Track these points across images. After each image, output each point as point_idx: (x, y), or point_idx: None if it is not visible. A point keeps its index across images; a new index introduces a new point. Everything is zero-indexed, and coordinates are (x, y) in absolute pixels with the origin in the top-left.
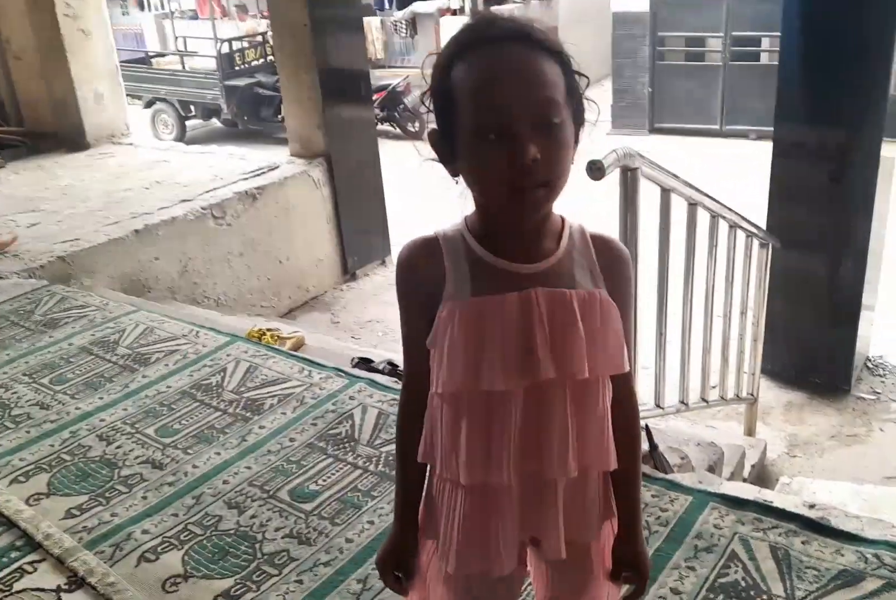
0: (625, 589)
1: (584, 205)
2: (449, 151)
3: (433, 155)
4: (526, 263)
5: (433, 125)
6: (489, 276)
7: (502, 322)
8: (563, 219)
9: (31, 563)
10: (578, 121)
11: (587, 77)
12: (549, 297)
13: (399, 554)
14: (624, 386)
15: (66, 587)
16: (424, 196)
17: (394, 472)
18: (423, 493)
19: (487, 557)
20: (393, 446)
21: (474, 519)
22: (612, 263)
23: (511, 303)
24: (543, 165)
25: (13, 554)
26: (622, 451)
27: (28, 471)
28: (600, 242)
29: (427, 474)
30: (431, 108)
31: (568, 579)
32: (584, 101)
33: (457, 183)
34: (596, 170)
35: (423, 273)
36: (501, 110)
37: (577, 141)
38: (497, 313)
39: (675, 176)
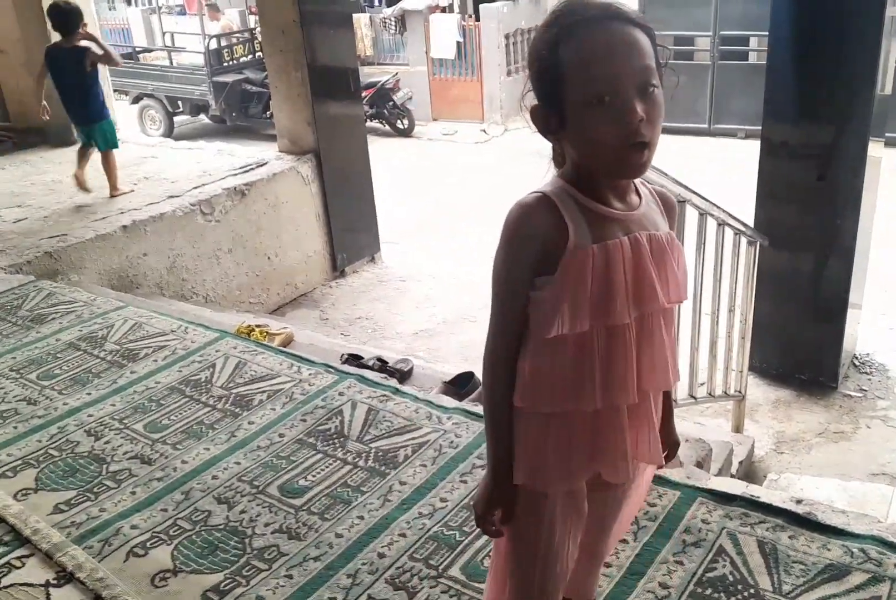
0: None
1: None
2: (556, 123)
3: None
4: (626, 211)
5: (533, 102)
6: (602, 224)
7: (622, 262)
8: None
9: (19, 558)
10: (662, 81)
11: (668, 48)
12: (650, 239)
13: (500, 497)
14: (674, 311)
15: (55, 582)
16: (414, 192)
17: (383, 468)
18: (519, 438)
19: (605, 464)
20: (382, 442)
21: (585, 438)
22: (670, 210)
23: (626, 245)
24: (647, 124)
25: (1, 550)
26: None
27: (16, 467)
28: (660, 193)
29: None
30: (531, 86)
31: (606, 512)
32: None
33: (559, 150)
34: None
35: (543, 226)
36: (611, 78)
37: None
38: (618, 255)
39: (664, 173)
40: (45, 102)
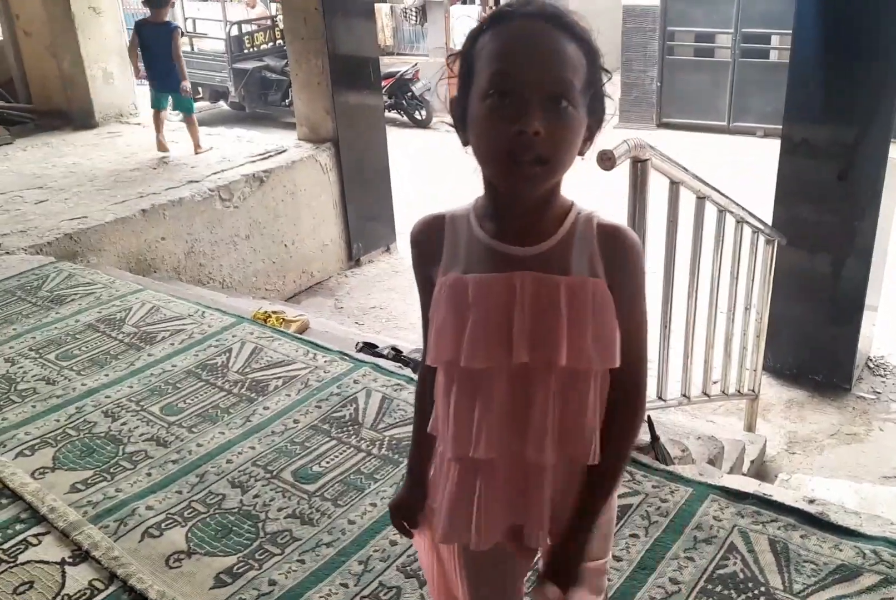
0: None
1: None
2: (463, 118)
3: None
4: (521, 246)
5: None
6: (483, 257)
7: (486, 302)
8: (572, 205)
9: (35, 536)
10: (595, 115)
11: (610, 73)
12: (537, 282)
13: (406, 507)
14: (627, 381)
15: (71, 560)
16: (431, 183)
17: (397, 456)
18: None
19: (469, 530)
20: (396, 430)
21: (462, 492)
22: (615, 253)
23: (496, 284)
24: (545, 142)
25: (18, 527)
26: (608, 447)
27: (34, 445)
28: (607, 231)
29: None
30: (454, 73)
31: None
32: (605, 99)
33: (466, 152)
34: (606, 159)
35: (426, 248)
36: (516, 77)
37: (591, 136)
38: (482, 292)
39: (685, 169)
40: (139, 66)
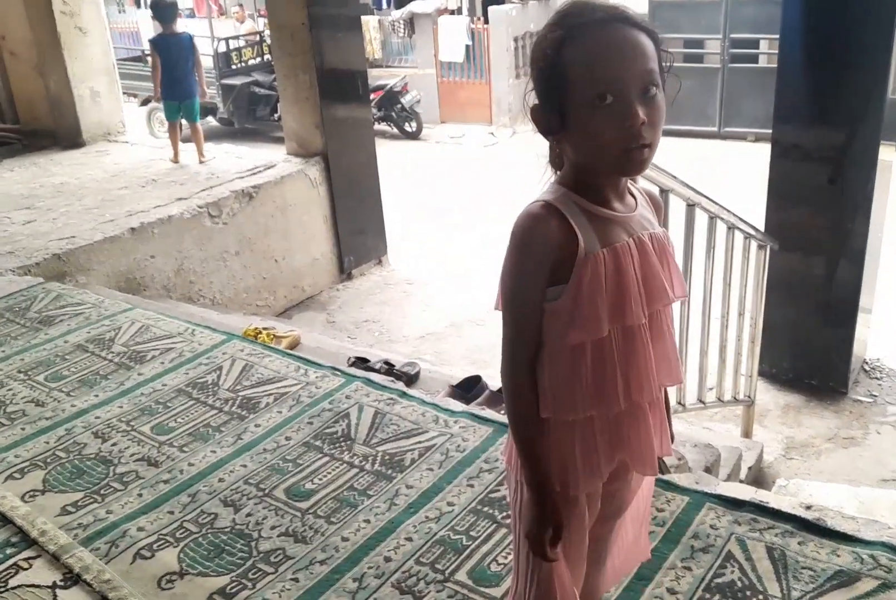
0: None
1: None
2: (556, 123)
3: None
4: (627, 213)
5: (534, 101)
6: (607, 227)
7: (632, 264)
8: None
9: (26, 560)
10: (665, 90)
11: (672, 54)
12: (652, 239)
13: (552, 513)
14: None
15: (62, 583)
16: (422, 195)
17: (390, 471)
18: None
19: (631, 453)
20: (389, 445)
21: (610, 437)
22: (658, 209)
23: (633, 246)
24: (648, 127)
25: (8, 551)
26: None
27: (23, 468)
28: (649, 193)
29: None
30: (533, 86)
31: (617, 500)
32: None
33: (557, 151)
34: None
35: (552, 235)
36: (614, 79)
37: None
38: (627, 257)
39: (674, 177)
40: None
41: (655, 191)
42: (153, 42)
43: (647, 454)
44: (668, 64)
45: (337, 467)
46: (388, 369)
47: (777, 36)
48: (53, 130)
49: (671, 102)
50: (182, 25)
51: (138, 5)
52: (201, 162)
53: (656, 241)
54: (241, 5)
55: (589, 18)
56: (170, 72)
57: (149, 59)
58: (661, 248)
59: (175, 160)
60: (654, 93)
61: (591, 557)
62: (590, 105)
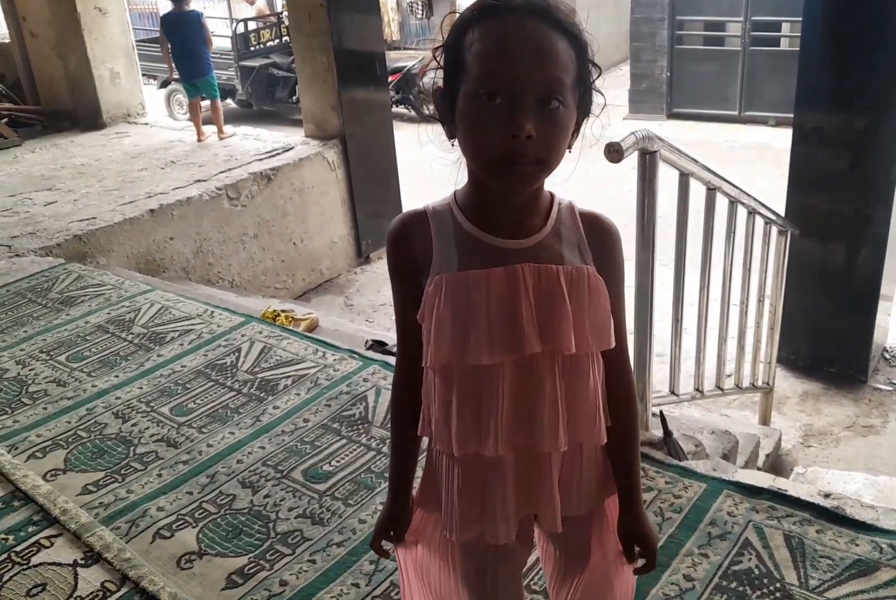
0: (639, 562)
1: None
2: (450, 111)
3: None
4: (513, 239)
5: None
6: (476, 251)
7: (488, 296)
8: (552, 196)
9: (48, 538)
10: (584, 110)
11: (600, 68)
12: (537, 272)
13: (390, 522)
14: (616, 359)
15: (83, 562)
16: (439, 179)
17: None
18: (425, 465)
19: (485, 524)
20: None
21: (471, 488)
22: (600, 240)
23: (497, 277)
24: (537, 144)
25: (30, 529)
26: (618, 425)
27: (45, 447)
28: (589, 219)
29: (427, 446)
30: (441, 64)
31: (572, 557)
32: (594, 93)
33: (452, 145)
34: (614, 152)
35: (411, 247)
36: (507, 78)
37: (577, 129)
38: (483, 287)
39: (694, 160)
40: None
41: (606, 221)
42: (163, 20)
43: (499, 517)
44: (590, 78)
45: (354, 449)
46: None
47: (799, 18)
48: (73, 111)
49: (570, 145)
50: (200, 7)
51: None
52: (221, 138)
53: (545, 278)
54: None
55: (506, 4)
56: (179, 49)
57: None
58: (551, 287)
59: (200, 139)
60: (554, 106)
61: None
62: (476, 97)
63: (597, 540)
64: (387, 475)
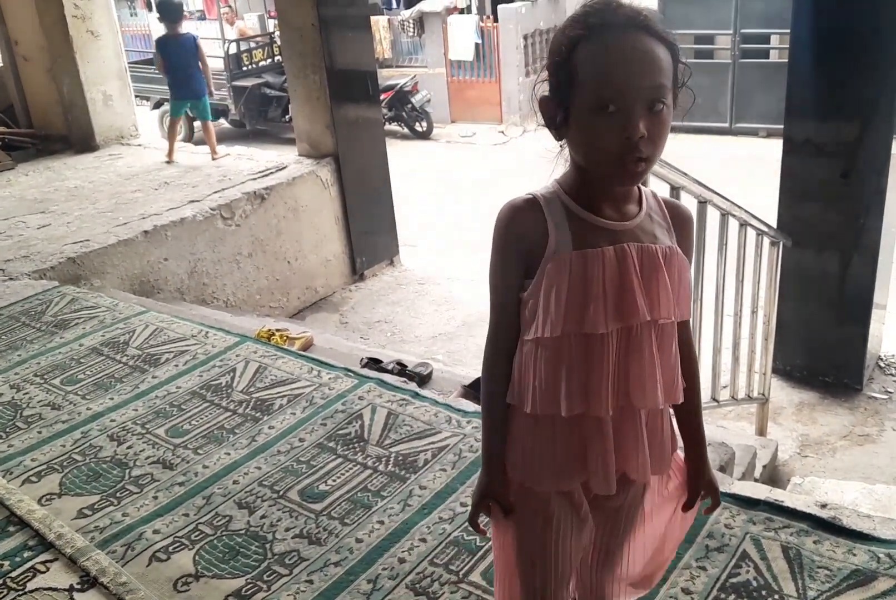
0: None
1: None
2: (560, 119)
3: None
4: (618, 221)
5: (544, 93)
6: (587, 232)
7: (603, 271)
8: (638, 186)
9: (43, 563)
10: (677, 102)
11: (690, 68)
12: (640, 250)
13: (489, 495)
14: (685, 330)
15: (79, 586)
16: (432, 195)
17: (403, 472)
18: (510, 436)
19: (587, 475)
20: (402, 446)
21: (572, 445)
22: (681, 223)
23: (609, 255)
24: (647, 142)
25: (26, 554)
26: (687, 387)
27: (40, 471)
28: (671, 205)
29: (510, 415)
30: (546, 78)
31: (617, 522)
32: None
33: (561, 147)
34: None
35: (527, 228)
36: (621, 91)
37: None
38: (599, 263)
39: (685, 174)
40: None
41: (685, 207)
42: (157, 43)
43: (599, 470)
44: (683, 78)
45: (350, 468)
46: (401, 370)
47: (788, 31)
48: (67, 134)
49: (683, 115)
50: (192, 27)
51: (150, 8)
52: (214, 159)
53: (646, 255)
54: (230, 7)
55: (609, 21)
56: (175, 72)
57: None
58: (652, 264)
59: (169, 159)
60: (660, 108)
61: (602, 566)
62: (593, 110)
63: (648, 502)
64: (383, 494)
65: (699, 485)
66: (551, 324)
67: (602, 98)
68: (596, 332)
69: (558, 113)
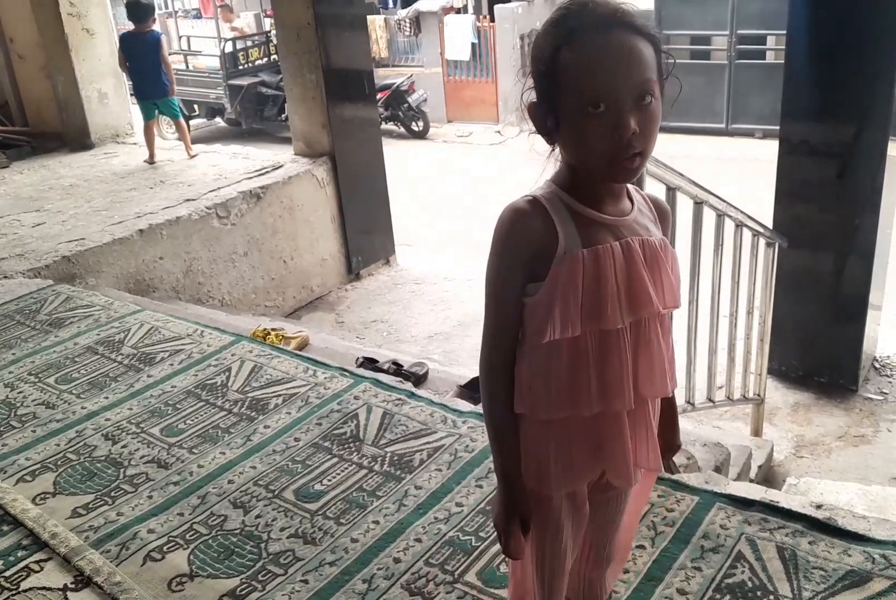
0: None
1: None
2: (550, 123)
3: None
4: (617, 216)
5: (532, 99)
6: (592, 229)
7: (614, 267)
8: None
9: (37, 562)
10: (663, 92)
11: (674, 58)
12: (643, 244)
13: (520, 504)
14: (669, 315)
15: (73, 586)
16: (428, 195)
17: (398, 472)
18: (522, 444)
19: (608, 468)
20: (398, 446)
21: (589, 444)
22: (664, 216)
23: (617, 250)
24: (639, 137)
25: (20, 553)
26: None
27: (34, 471)
28: (653, 199)
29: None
30: (531, 84)
31: (608, 513)
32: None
33: (553, 150)
34: None
35: (533, 232)
36: (608, 90)
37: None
38: (609, 259)
39: (681, 174)
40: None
41: (664, 202)
42: (121, 39)
43: (621, 464)
44: (668, 68)
45: (346, 468)
46: (397, 369)
47: (784, 31)
48: (62, 132)
49: (672, 104)
50: (189, 26)
51: None
52: (190, 157)
53: (648, 248)
54: (226, 4)
55: (588, 21)
56: (136, 70)
57: None
58: (654, 256)
59: (150, 161)
60: (648, 101)
61: (594, 560)
62: (583, 112)
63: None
64: (378, 494)
65: (670, 448)
66: (571, 323)
67: (590, 99)
68: (614, 328)
69: (548, 118)
